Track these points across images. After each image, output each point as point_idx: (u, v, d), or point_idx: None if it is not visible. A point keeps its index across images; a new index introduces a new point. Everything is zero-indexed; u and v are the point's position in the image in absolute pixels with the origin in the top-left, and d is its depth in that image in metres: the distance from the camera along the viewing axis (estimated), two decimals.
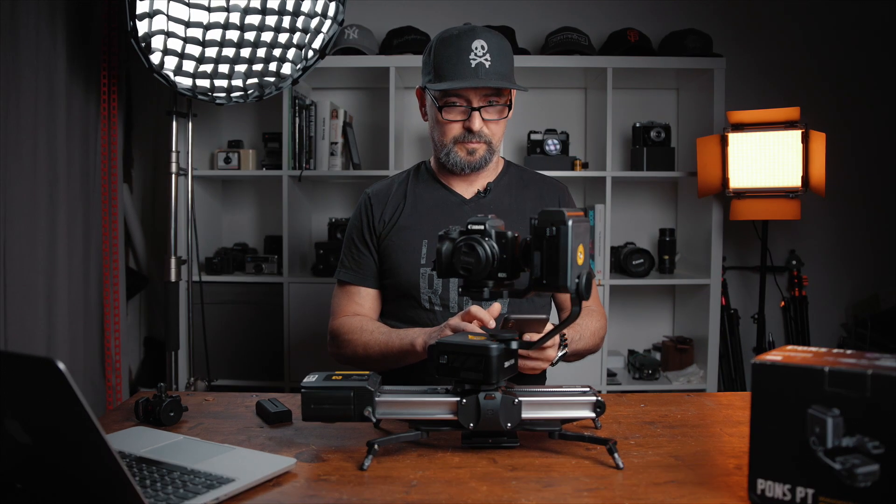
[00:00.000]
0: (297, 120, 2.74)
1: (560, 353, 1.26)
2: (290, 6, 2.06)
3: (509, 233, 0.98)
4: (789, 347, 0.87)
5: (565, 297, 1.58)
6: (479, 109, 1.41)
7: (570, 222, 0.90)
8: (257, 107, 3.03)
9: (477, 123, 1.42)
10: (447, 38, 1.41)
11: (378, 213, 1.53)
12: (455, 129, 1.44)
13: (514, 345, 1.00)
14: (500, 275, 0.98)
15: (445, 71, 1.39)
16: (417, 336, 1.32)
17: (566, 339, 1.29)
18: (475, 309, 1.21)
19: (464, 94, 1.40)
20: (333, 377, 1.02)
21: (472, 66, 1.38)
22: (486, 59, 1.38)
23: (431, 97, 1.44)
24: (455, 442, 1.05)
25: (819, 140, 2.49)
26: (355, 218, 1.57)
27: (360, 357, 1.43)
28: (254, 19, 2.03)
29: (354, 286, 1.53)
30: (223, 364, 2.76)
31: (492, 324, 1.19)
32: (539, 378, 1.53)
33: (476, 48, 1.38)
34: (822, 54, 3.04)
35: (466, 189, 1.54)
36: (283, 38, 2.12)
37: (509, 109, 1.45)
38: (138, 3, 1.86)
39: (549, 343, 1.18)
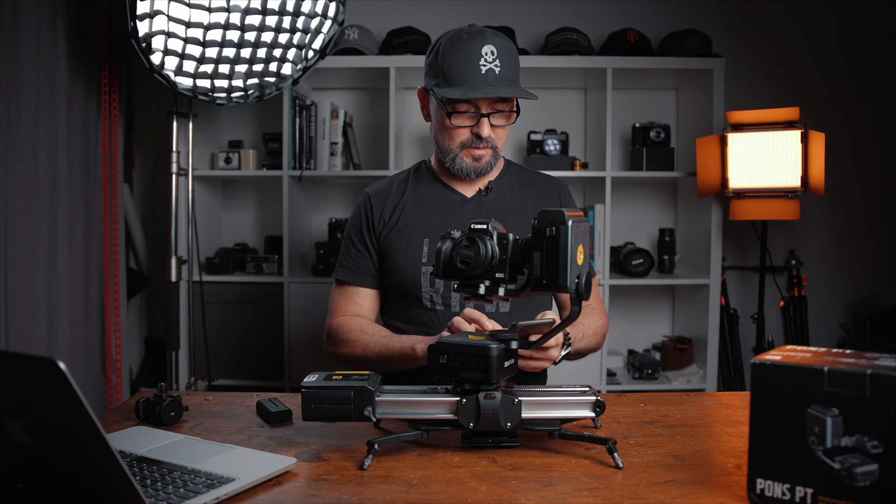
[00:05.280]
0: (298, 120, 2.74)
1: (563, 353, 1.25)
2: (290, 7, 2.06)
3: (510, 235, 0.98)
4: (788, 347, 0.87)
5: (566, 297, 1.57)
6: (487, 116, 1.39)
7: (569, 222, 0.90)
8: (257, 107, 3.03)
9: (486, 130, 1.40)
10: (455, 41, 1.38)
11: (378, 212, 1.52)
12: (463, 135, 1.42)
13: (514, 345, 1.00)
14: (497, 275, 0.98)
15: (455, 77, 1.36)
16: (418, 341, 1.32)
17: (570, 339, 1.28)
18: (469, 311, 1.22)
19: (473, 101, 1.38)
20: (334, 377, 1.02)
21: (483, 72, 1.35)
22: (496, 65, 1.36)
23: (438, 101, 1.41)
24: (455, 442, 1.06)
25: (818, 140, 2.49)
26: (355, 217, 1.56)
27: (358, 358, 1.43)
28: (254, 20, 2.03)
29: (353, 286, 1.53)
30: (223, 364, 2.77)
31: (488, 326, 1.18)
32: (540, 377, 1.52)
33: (486, 53, 1.35)
34: (821, 55, 3.05)
35: (468, 188, 1.53)
36: (283, 38, 2.12)
37: (517, 115, 1.44)
38: (139, 3, 1.86)
39: (552, 343, 1.18)
